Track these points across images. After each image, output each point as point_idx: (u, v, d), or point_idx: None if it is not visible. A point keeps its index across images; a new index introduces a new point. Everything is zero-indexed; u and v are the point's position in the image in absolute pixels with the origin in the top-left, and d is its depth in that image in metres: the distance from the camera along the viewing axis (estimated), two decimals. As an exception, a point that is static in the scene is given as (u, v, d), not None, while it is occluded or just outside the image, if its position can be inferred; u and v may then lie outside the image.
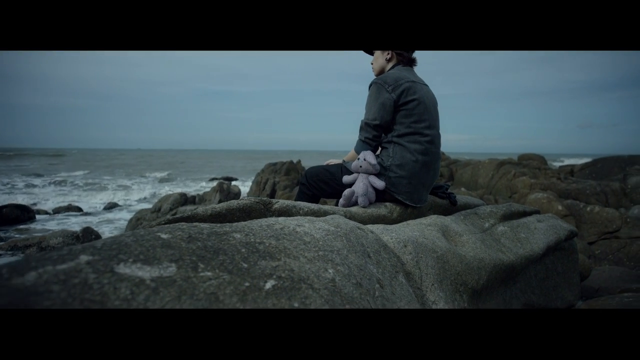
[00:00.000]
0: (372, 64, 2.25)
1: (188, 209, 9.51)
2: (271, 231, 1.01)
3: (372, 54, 2.25)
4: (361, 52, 2.33)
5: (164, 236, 0.81)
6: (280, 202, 1.50)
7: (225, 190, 11.19)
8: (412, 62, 2.18)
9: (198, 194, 11.66)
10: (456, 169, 11.48)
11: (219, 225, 0.99)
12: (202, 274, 0.72)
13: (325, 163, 2.27)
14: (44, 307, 0.52)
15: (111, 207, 13.01)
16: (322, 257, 0.96)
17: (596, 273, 3.43)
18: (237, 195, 11.36)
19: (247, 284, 0.74)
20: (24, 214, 9.94)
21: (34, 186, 18.31)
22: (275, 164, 13.80)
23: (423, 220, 1.81)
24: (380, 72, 2.20)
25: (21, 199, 12.96)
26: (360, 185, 1.92)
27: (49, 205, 12.74)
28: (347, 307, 0.82)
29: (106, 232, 9.06)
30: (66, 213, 11.57)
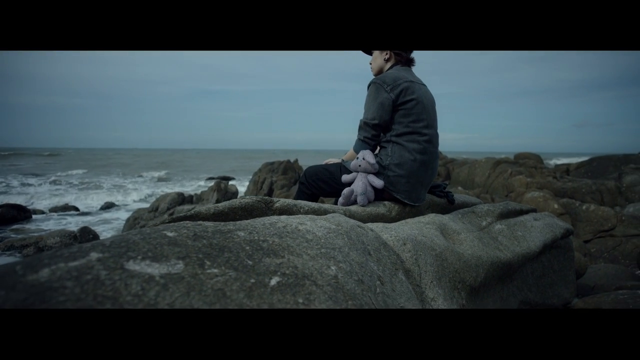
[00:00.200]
0: (370, 64, 2.27)
1: (185, 208, 9.50)
2: (274, 229, 1.02)
3: (370, 54, 2.28)
4: (358, 52, 2.35)
5: (170, 234, 0.83)
6: (281, 201, 1.52)
7: (223, 189, 11.19)
8: (410, 62, 2.20)
9: (195, 194, 11.66)
10: (453, 167, 11.53)
11: (222, 223, 1.00)
12: (208, 270, 0.74)
13: (324, 162, 2.29)
14: (59, 302, 0.53)
15: (108, 206, 12.98)
16: (324, 254, 0.97)
17: (592, 271, 3.47)
18: (234, 194, 11.37)
19: (252, 280, 0.76)
20: (20, 213, 9.91)
21: (30, 185, 18.24)
22: (272, 164, 13.81)
23: (421, 218, 1.83)
24: (379, 72, 2.22)
25: (17, 199, 12.91)
26: (359, 184, 1.94)
27: (45, 205, 12.70)
28: (350, 303, 0.84)
29: (103, 232, 9.05)
30: (62, 213, 11.54)
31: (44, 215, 11.07)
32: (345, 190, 1.94)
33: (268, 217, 1.14)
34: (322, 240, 1.04)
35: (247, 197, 1.44)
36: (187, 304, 0.63)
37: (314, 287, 0.81)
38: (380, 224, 1.59)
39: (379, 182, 1.95)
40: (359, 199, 1.92)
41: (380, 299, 0.99)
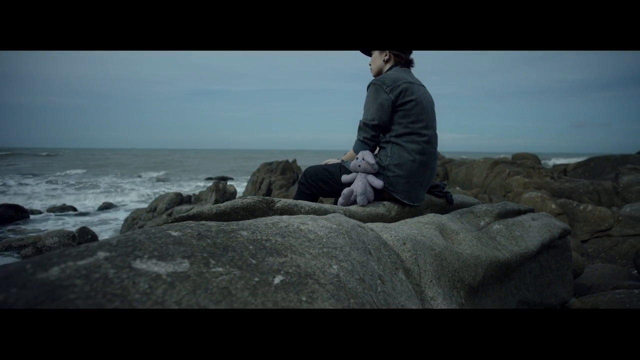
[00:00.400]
0: (370, 64, 2.28)
1: (184, 208, 9.50)
2: (276, 229, 1.04)
3: (370, 54, 2.29)
4: (356, 52, 2.37)
5: (174, 234, 0.84)
6: (282, 201, 1.53)
7: (221, 190, 11.19)
8: (409, 63, 2.22)
9: (194, 194, 11.65)
10: (451, 168, 11.56)
11: (225, 223, 1.02)
12: (213, 269, 0.75)
13: (324, 162, 2.30)
14: (69, 300, 0.55)
15: (106, 207, 12.96)
16: (326, 253, 0.99)
17: (589, 270, 3.50)
18: (233, 194, 11.37)
19: (256, 279, 0.77)
20: (18, 213, 9.88)
21: (28, 185, 18.19)
22: (270, 164, 13.81)
23: (421, 218, 1.85)
24: (378, 73, 2.23)
25: (15, 199, 12.87)
26: (359, 184, 1.96)
27: (42, 205, 12.67)
28: (352, 301, 0.85)
29: (102, 232, 9.03)
30: (60, 213, 11.51)
31: (42, 215, 11.04)
32: (345, 191, 1.95)
33: (270, 217, 1.16)
34: (324, 240, 1.06)
35: (249, 197, 1.46)
36: (194, 301, 0.64)
37: (316, 285, 0.83)
38: (380, 224, 1.60)
39: (378, 183, 1.96)
40: (358, 199, 1.94)
41: (381, 297, 1.00)
